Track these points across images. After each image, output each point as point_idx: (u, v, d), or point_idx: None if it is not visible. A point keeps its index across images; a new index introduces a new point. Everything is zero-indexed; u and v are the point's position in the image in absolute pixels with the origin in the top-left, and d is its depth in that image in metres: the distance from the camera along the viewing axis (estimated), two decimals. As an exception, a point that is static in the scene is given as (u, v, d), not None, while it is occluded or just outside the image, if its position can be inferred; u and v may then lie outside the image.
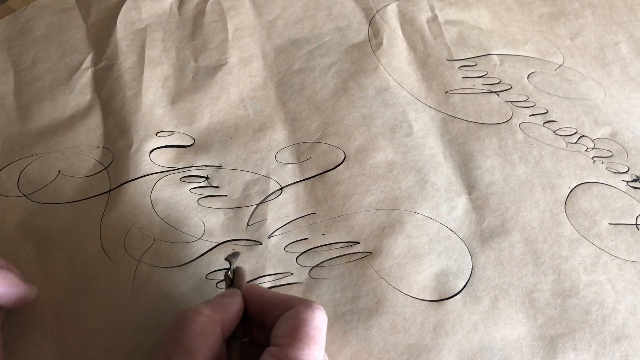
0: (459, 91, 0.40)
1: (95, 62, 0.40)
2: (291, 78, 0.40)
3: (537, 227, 0.33)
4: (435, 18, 0.44)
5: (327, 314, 0.29)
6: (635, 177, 0.36)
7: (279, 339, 0.22)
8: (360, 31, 0.43)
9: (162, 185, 0.34)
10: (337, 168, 0.35)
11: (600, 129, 0.38)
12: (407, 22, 0.44)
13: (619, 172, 0.36)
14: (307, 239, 0.32)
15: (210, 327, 0.23)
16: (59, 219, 0.32)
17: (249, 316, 0.26)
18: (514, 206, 0.34)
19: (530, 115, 0.39)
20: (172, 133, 0.36)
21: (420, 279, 0.31)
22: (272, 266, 0.31)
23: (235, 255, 0.30)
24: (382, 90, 0.39)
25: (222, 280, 0.30)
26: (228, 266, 0.28)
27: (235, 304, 0.25)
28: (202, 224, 0.32)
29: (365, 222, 0.33)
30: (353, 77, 0.40)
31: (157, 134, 0.36)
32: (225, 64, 0.40)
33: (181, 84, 0.39)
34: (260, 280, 0.31)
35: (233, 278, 0.28)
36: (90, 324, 0.29)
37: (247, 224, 0.33)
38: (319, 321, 0.23)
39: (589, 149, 0.37)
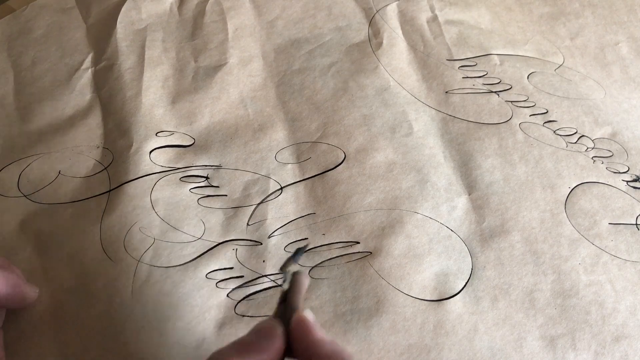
0: (459, 91, 0.40)
1: (95, 62, 0.40)
2: (291, 78, 0.40)
3: (537, 227, 0.33)
4: (435, 18, 0.44)
5: (327, 313, 0.30)
6: (635, 177, 0.36)
7: None
8: (360, 31, 0.43)
9: (162, 185, 0.34)
10: (337, 168, 0.35)
11: (600, 129, 0.38)
12: (407, 22, 0.44)
13: (619, 172, 0.36)
14: (307, 239, 0.32)
15: None
16: (59, 219, 0.32)
17: (293, 354, 0.21)
18: (514, 206, 0.34)
19: (530, 115, 0.39)
20: (172, 133, 0.36)
21: (420, 279, 0.31)
22: (272, 266, 0.31)
23: (299, 252, 0.22)
24: (382, 90, 0.39)
25: (222, 280, 0.30)
26: (284, 264, 0.22)
27: (272, 347, 0.20)
28: (202, 223, 0.32)
29: (365, 222, 0.33)
30: (353, 77, 0.40)
31: (157, 134, 0.36)
32: (225, 64, 0.40)
33: (181, 84, 0.39)
34: (260, 280, 0.31)
35: (288, 291, 0.22)
36: (90, 324, 0.29)
37: (247, 224, 0.33)
38: None
39: (589, 149, 0.37)
